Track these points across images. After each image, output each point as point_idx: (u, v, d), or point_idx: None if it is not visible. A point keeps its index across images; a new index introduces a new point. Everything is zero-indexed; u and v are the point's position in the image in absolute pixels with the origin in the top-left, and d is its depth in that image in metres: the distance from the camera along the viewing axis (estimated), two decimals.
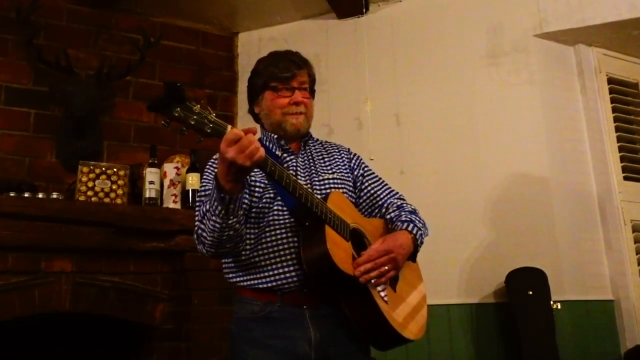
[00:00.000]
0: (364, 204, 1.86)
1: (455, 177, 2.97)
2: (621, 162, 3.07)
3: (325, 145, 1.92)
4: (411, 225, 1.73)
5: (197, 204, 1.67)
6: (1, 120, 2.88)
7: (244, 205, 1.61)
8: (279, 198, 1.67)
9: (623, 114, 3.19)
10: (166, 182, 2.94)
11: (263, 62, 1.84)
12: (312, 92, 1.85)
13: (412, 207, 1.86)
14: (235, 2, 3.35)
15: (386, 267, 1.57)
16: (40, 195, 2.58)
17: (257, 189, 1.67)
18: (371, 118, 3.18)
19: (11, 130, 2.89)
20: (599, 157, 3.04)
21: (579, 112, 3.11)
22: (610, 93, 3.16)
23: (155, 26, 3.31)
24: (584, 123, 3.10)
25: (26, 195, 2.55)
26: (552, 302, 2.68)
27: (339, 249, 1.54)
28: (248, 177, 1.62)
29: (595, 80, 3.14)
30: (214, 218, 1.47)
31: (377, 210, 1.86)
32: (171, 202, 2.90)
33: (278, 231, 1.65)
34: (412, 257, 1.74)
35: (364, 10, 3.35)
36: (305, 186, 1.60)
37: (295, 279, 1.61)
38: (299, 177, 1.75)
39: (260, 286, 1.64)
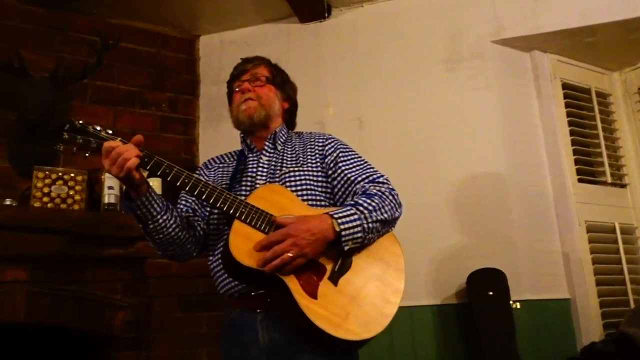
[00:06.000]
0: (339, 193, 1.71)
1: (415, 180, 2.98)
2: (575, 164, 3.16)
3: (305, 138, 1.85)
4: (346, 208, 1.52)
5: None
6: None
7: (184, 213, 1.69)
8: None
9: (577, 118, 3.28)
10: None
11: None
12: (277, 84, 1.87)
13: (383, 189, 1.65)
14: (195, 4, 3.30)
15: (290, 255, 1.42)
16: None
17: None
18: (333, 122, 3.19)
19: None
20: (554, 160, 3.12)
21: (534, 116, 3.18)
22: (564, 98, 3.24)
23: (112, 28, 3.23)
24: (539, 127, 3.17)
25: None
26: (511, 302, 2.73)
27: (245, 241, 1.45)
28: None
29: (550, 85, 3.21)
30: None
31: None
32: None
33: (217, 234, 1.70)
34: (337, 243, 1.49)
35: (326, 14, 3.36)
36: (247, 184, 1.66)
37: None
38: (259, 176, 1.71)
39: (221, 291, 1.66)
